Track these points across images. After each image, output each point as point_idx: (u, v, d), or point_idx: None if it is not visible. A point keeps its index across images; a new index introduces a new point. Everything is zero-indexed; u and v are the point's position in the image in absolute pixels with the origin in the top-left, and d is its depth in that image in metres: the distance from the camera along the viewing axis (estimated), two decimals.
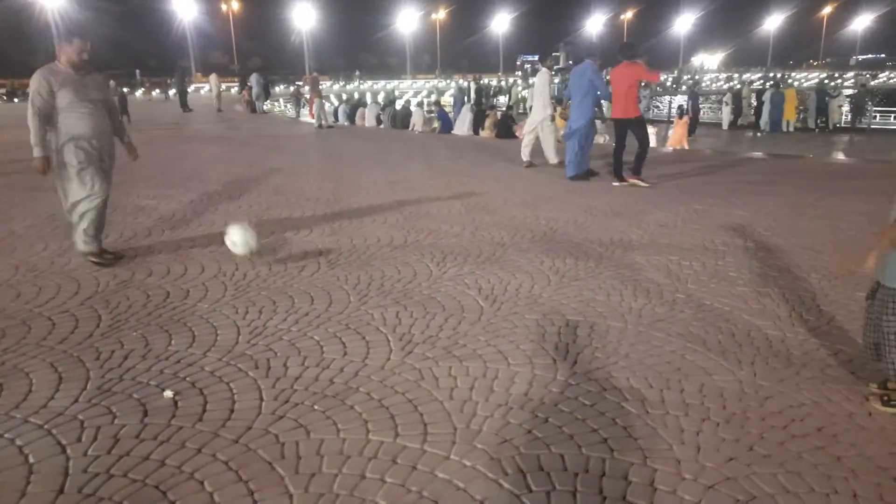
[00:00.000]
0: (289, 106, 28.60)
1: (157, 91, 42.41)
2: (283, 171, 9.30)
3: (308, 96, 21.15)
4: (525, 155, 9.96)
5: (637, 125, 8.08)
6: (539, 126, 9.73)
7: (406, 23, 76.52)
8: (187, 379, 2.96)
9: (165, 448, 2.42)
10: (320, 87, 18.68)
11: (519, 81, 45.28)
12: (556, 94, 10.24)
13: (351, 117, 20.98)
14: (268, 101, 25.64)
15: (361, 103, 23.27)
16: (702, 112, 21.82)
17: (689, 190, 7.82)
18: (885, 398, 2.64)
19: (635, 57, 8.06)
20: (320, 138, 15.18)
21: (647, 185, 7.95)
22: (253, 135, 15.90)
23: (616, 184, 8.09)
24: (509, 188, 7.90)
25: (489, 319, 3.67)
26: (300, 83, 29.67)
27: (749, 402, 2.71)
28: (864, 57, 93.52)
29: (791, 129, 19.25)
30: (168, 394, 2.81)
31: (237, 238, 4.56)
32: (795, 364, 3.06)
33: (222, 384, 2.91)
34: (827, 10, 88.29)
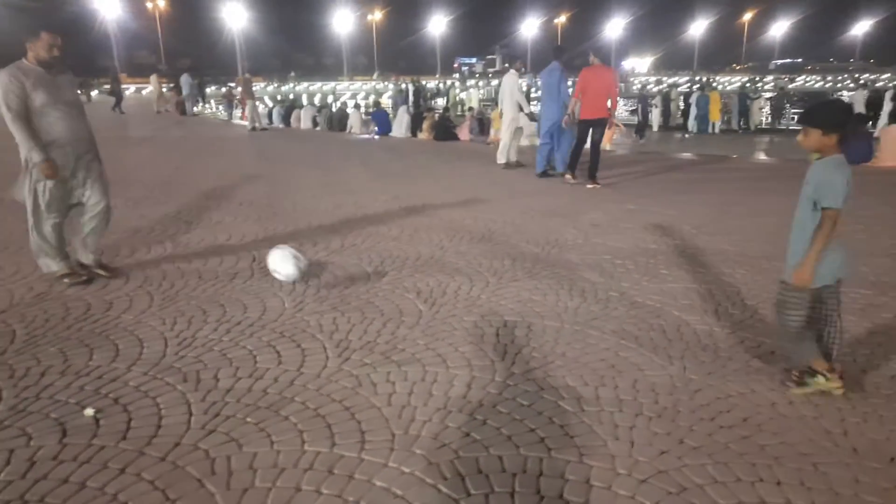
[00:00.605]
0: (220, 108, 27.82)
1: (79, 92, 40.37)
2: (215, 175, 9.01)
3: (240, 98, 20.61)
4: (502, 157, 10.07)
5: (602, 126, 8.24)
6: (506, 126, 9.91)
7: (342, 23, 75.78)
8: (110, 395, 2.81)
9: (86, 469, 2.29)
10: (253, 87, 18.23)
11: (457, 84, 45.59)
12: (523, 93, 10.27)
13: (286, 119, 20.59)
14: (201, 102, 24.83)
15: (297, 105, 22.85)
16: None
17: (621, 190, 8.03)
18: (797, 380, 2.80)
19: (605, 60, 8.38)
20: (254, 141, 14.81)
21: (600, 185, 8.23)
22: (182, 137, 15.36)
23: (589, 186, 8.15)
24: (448, 189, 7.91)
25: (428, 322, 3.65)
26: (232, 84, 28.87)
27: (680, 396, 2.79)
28: (783, 61, 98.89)
29: (717, 130, 20.09)
30: (89, 412, 2.66)
31: (284, 267, 4.04)
32: (722, 357, 3.18)
33: (148, 399, 2.77)
34: (748, 17, 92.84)
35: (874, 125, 14.85)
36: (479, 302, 3.97)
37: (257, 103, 17.72)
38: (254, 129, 16.76)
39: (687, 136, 19.51)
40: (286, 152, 12.63)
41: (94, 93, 31.41)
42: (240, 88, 19.21)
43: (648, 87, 30.45)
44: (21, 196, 4.14)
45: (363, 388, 2.87)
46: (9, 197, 4.38)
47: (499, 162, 10.04)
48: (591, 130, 8.19)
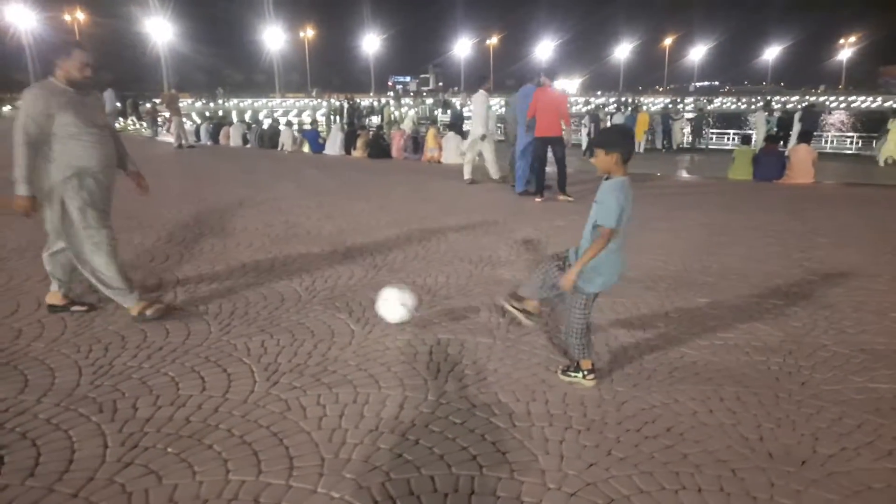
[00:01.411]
0: (144, 124, 26.84)
1: None
2: (135, 194, 8.63)
3: (167, 114, 19.96)
4: (467, 173, 10.31)
5: (560, 143, 8.57)
6: (480, 145, 10.22)
7: (273, 40, 74.81)
8: (17, 430, 2.62)
9: None
10: (180, 104, 17.68)
11: (391, 102, 45.72)
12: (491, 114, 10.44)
13: (214, 136, 20.05)
14: (135, 120, 23.77)
15: (226, 122, 22.30)
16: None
17: (551, 207, 8.22)
18: (564, 369, 3.15)
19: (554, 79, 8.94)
20: (180, 158, 14.35)
21: (572, 199, 8.60)
22: None
23: (561, 198, 8.57)
24: (382, 207, 7.88)
25: (360, 343, 3.60)
26: (157, 100, 27.93)
27: (607, 408, 2.85)
28: (701, 84, 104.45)
29: (641, 149, 20.91)
30: None
31: (395, 311, 3.75)
32: (647, 369, 3.28)
33: (59, 432, 2.61)
34: (668, 42, 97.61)
35: (785, 144, 15.82)
36: (413, 320, 3.95)
37: (183, 120, 17.18)
38: (180, 146, 16.24)
39: None
40: (214, 170, 12.29)
41: (5, 108, 29.64)
42: (165, 104, 18.61)
43: (603, 107, 31.30)
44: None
45: (292, 413, 2.80)
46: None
47: (465, 178, 10.28)
48: (548, 148, 8.58)
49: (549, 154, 8.76)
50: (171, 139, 17.76)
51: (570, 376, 3.11)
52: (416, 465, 2.41)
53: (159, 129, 23.08)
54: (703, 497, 2.23)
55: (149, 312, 3.84)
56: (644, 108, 29.62)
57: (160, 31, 55.56)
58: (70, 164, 3.61)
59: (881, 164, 14.80)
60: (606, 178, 2.93)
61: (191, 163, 13.43)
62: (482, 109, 10.04)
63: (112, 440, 2.55)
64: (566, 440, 2.59)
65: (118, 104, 23.48)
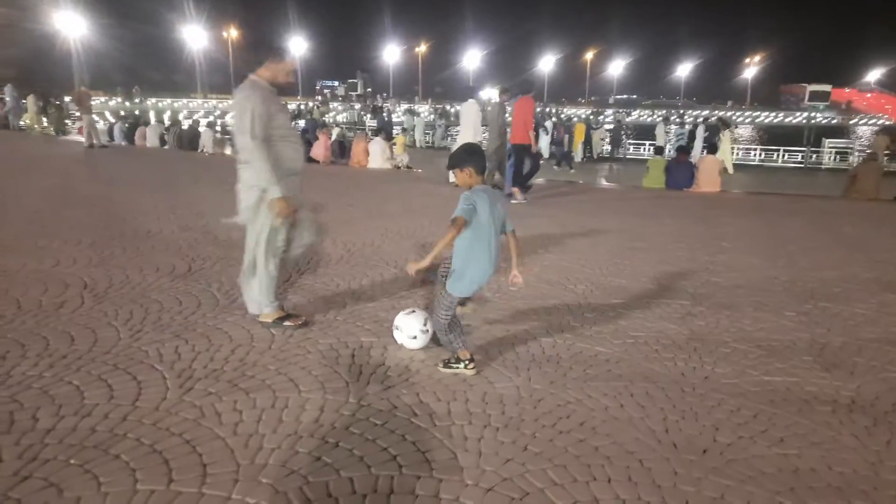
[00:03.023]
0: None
1: None
2: (42, 197, 8.16)
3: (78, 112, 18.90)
4: (452, 176, 10.27)
5: (529, 149, 9.38)
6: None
7: (194, 39, 72.26)
8: None
9: None
10: (91, 102, 16.76)
11: (319, 106, 45.14)
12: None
13: (129, 137, 19.14)
14: (49, 117, 22.19)
15: (142, 121, 21.33)
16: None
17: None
18: (445, 362, 3.32)
19: (529, 92, 9.69)
20: (91, 159, 13.62)
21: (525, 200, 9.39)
22: (6, 154, 13.77)
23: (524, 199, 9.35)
24: None
25: (281, 347, 3.54)
26: (68, 98, 26.37)
27: (525, 406, 2.93)
28: (620, 97, 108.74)
29: (579, 158, 21.52)
30: None
31: (411, 337, 3.54)
32: (563, 367, 3.39)
33: None
34: (589, 56, 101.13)
35: (691, 155, 16.70)
36: (335, 324, 3.92)
37: (94, 118, 16.30)
38: (91, 146, 15.41)
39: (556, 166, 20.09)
40: (129, 172, 11.73)
41: None
42: (74, 102, 17.61)
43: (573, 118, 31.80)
44: (242, 221, 3.71)
45: (207, 419, 2.72)
46: (226, 223, 3.85)
47: (451, 181, 10.48)
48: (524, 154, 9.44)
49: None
50: (81, 138, 16.82)
51: (451, 367, 3.27)
52: (335, 468, 2.39)
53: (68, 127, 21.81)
54: (613, 487, 2.34)
55: (287, 323, 3.83)
56: (574, 119, 30.54)
57: (71, 26, 52.56)
58: (282, 166, 3.53)
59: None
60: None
61: (103, 164, 12.76)
62: (476, 119, 10.38)
63: (7, 454, 2.40)
64: (484, 437, 2.64)
65: (41, 103, 22.02)
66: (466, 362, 3.25)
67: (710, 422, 2.83)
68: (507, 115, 9.86)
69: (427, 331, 3.52)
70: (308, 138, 16.08)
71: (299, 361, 3.35)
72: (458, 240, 3.08)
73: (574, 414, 2.86)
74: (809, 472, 2.48)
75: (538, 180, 11.57)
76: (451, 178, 10.55)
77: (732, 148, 17.79)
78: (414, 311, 3.61)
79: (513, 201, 9.16)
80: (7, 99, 21.25)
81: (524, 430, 2.70)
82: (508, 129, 9.78)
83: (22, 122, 21.55)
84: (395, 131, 22.38)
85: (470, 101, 10.75)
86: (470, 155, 3.21)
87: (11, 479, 2.25)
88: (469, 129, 10.36)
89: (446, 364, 3.30)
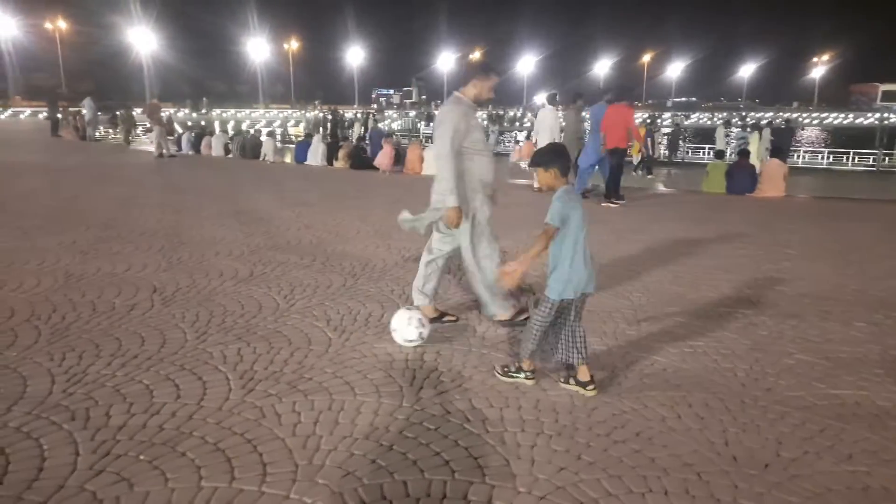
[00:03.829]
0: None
1: None
2: (116, 203, 8.61)
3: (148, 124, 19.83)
4: (536, 182, 10.85)
5: (623, 155, 9.77)
6: None
7: (257, 51, 74.75)
8: None
9: None
10: (162, 113, 17.58)
11: (374, 114, 45.86)
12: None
13: (196, 146, 19.94)
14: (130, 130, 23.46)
15: (208, 131, 22.19)
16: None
17: (530, 220, 8.30)
18: (504, 370, 3.27)
19: (625, 99, 10.00)
20: (161, 168, 14.26)
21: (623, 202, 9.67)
22: (81, 164, 14.59)
23: (616, 203, 9.56)
24: (362, 218, 7.91)
25: (337, 351, 3.62)
26: (140, 110, 27.72)
27: (578, 414, 2.91)
28: (679, 99, 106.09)
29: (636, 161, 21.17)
30: None
31: (406, 331, 3.66)
32: (618, 375, 3.34)
33: (30, 441, 2.59)
34: (646, 58, 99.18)
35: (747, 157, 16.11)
36: (390, 329, 3.98)
37: (164, 129, 17.06)
38: (160, 155, 16.15)
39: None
40: (195, 180, 12.24)
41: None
42: (146, 114, 18.48)
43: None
44: (418, 228, 4.06)
45: (267, 420, 2.81)
46: (404, 225, 4.18)
47: (534, 187, 10.80)
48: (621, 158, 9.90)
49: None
50: (151, 148, 17.64)
51: (511, 377, 3.22)
52: (389, 471, 2.44)
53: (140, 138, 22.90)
54: (670, 500, 2.29)
55: (521, 318, 4.00)
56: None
57: (143, 41, 55.25)
58: (479, 179, 3.84)
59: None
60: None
61: (171, 173, 13.35)
62: (554, 124, 10.87)
63: (84, 448, 2.55)
64: (537, 445, 2.64)
65: (118, 112, 23.32)
66: (528, 373, 3.20)
67: (773, 435, 2.74)
68: (584, 121, 10.12)
69: (423, 330, 3.63)
70: (364, 146, 16.42)
71: (355, 365, 3.42)
72: (553, 244, 3.03)
73: (629, 424, 2.81)
74: (881, 490, 2.36)
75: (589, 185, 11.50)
76: (535, 184, 10.84)
77: (767, 149, 17.08)
78: (406, 313, 3.70)
79: (602, 204, 9.58)
80: (86, 112, 22.47)
81: (578, 439, 2.68)
82: (586, 135, 10.04)
83: (98, 134, 22.77)
84: None
85: (548, 106, 11.06)
86: (557, 156, 3.13)
87: (87, 472, 2.39)
88: (546, 134, 10.74)
89: (506, 372, 3.25)
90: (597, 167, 10.00)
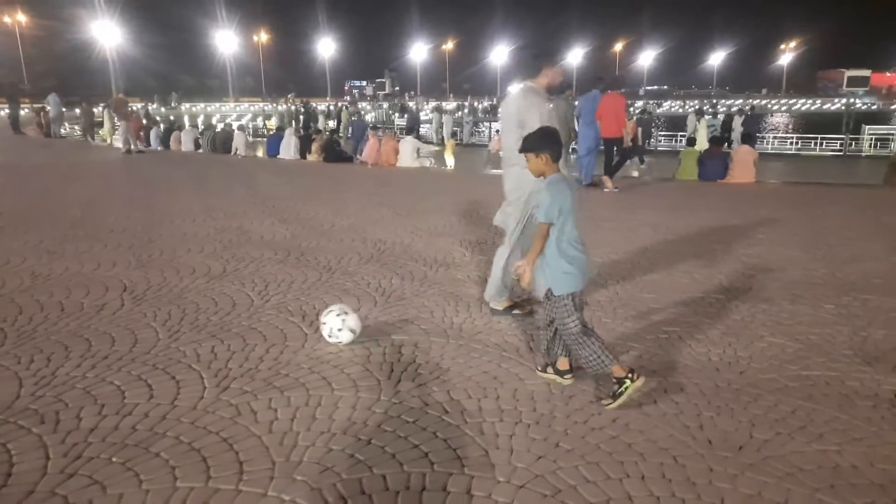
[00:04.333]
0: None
1: None
2: (84, 201, 8.41)
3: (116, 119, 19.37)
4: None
5: (621, 142, 10.06)
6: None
7: (226, 44, 73.51)
8: None
9: None
10: (129, 109, 17.20)
11: (348, 106, 45.52)
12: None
13: (164, 141, 19.58)
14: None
15: (176, 126, 21.79)
16: None
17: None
18: (545, 368, 3.17)
19: (619, 88, 10.22)
20: (129, 164, 13.97)
21: (617, 189, 9.95)
22: (48, 162, 14.23)
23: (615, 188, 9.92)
24: (336, 212, 7.85)
25: (313, 346, 3.59)
26: (105, 105, 27.10)
27: (556, 402, 2.92)
28: (651, 87, 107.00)
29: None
30: None
31: (339, 328, 3.54)
32: None
33: None
34: (619, 47, 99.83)
35: (729, 146, 16.38)
36: (367, 322, 3.95)
37: (130, 125, 16.69)
38: (128, 151, 15.82)
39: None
40: (165, 176, 12.01)
41: None
42: (111, 109, 18.06)
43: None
44: (504, 224, 3.99)
45: (243, 418, 2.78)
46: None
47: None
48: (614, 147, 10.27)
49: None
50: (118, 144, 17.26)
51: (622, 394, 2.85)
52: (367, 465, 2.42)
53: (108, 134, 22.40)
54: (646, 484, 2.31)
55: (515, 311, 4.04)
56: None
57: (108, 35, 53.96)
58: None
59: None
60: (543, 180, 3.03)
61: (140, 169, 13.09)
62: (567, 114, 10.98)
63: (54, 452, 2.49)
64: (516, 434, 2.64)
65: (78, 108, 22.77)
66: (628, 377, 2.85)
67: (747, 418, 2.78)
68: (574, 111, 10.30)
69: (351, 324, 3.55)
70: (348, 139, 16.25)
71: (332, 360, 3.40)
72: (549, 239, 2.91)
73: (606, 410, 2.84)
74: (850, 468, 2.42)
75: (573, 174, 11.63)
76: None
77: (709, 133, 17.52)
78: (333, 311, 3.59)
79: (605, 190, 9.87)
80: (49, 108, 21.92)
81: (556, 427, 2.70)
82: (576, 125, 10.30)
83: (63, 131, 22.22)
84: (423, 129, 22.43)
85: (559, 100, 11.12)
86: (548, 140, 2.94)
87: (58, 476, 2.34)
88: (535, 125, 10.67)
89: (616, 395, 2.87)
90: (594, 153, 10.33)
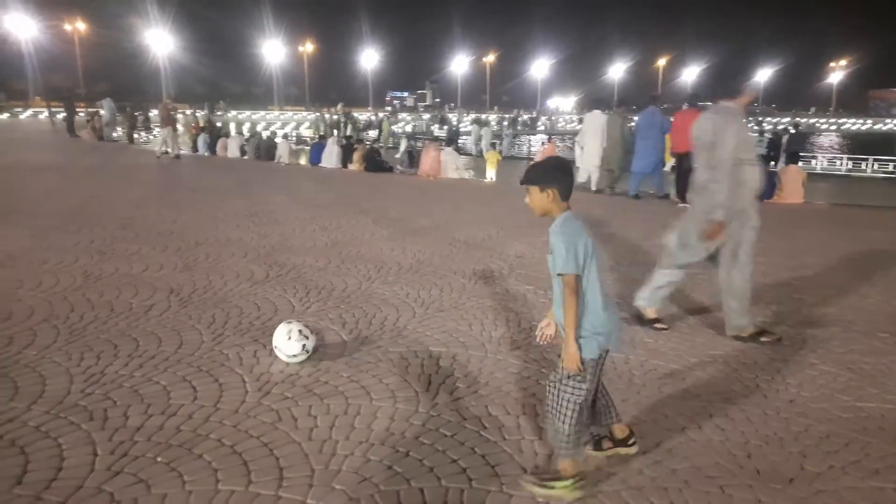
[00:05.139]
0: (143, 134, 26.88)
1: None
2: (133, 204, 8.67)
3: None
4: (594, 184, 11.74)
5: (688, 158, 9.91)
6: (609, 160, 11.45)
7: (272, 53, 75.23)
8: (6, 437, 2.62)
9: None
10: (175, 114, 17.70)
11: (388, 116, 46.05)
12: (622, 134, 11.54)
13: (211, 147, 20.09)
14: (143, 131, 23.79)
15: (222, 133, 22.35)
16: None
17: (540, 223, 8.25)
18: (538, 479, 2.36)
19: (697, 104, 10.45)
20: (176, 169, 14.36)
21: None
22: (98, 165, 14.73)
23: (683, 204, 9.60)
24: (376, 221, 7.91)
25: (352, 354, 3.61)
26: (154, 111, 28.00)
27: None
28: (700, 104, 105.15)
29: (668, 168, 21.08)
30: None
31: (287, 346, 3.41)
32: (636, 384, 3.30)
33: (49, 440, 2.60)
34: (662, 62, 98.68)
35: (776, 165, 15.98)
36: (405, 332, 3.97)
37: (177, 130, 17.16)
38: (169, 153, 16.24)
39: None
40: (210, 181, 12.31)
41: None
42: (159, 114, 18.63)
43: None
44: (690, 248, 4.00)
45: (283, 423, 2.80)
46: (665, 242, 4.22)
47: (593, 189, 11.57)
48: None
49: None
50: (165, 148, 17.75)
51: (547, 487, 2.31)
52: (405, 478, 2.42)
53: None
54: None
55: (763, 339, 3.90)
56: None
57: (160, 43, 55.82)
58: (746, 185, 3.76)
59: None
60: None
61: (187, 173, 13.46)
62: (601, 128, 11.34)
63: (102, 449, 2.55)
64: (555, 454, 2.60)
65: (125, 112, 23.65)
66: (572, 481, 2.30)
67: (797, 448, 2.69)
68: (631, 124, 10.46)
69: (306, 343, 3.41)
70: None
71: (370, 369, 3.41)
72: (558, 292, 2.35)
73: (649, 434, 2.77)
74: None
75: (607, 191, 11.56)
76: (594, 185, 11.46)
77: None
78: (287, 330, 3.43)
79: (679, 205, 9.75)
80: (104, 112, 22.71)
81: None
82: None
83: (115, 134, 22.99)
84: (461, 141, 22.50)
85: (595, 111, 11.43)
86: (558, 172, 2.36)
87: (105, 473, 2.39)
88: (596, 138, 11.17)
89: (543, 482, 2.32)
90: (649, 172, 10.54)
